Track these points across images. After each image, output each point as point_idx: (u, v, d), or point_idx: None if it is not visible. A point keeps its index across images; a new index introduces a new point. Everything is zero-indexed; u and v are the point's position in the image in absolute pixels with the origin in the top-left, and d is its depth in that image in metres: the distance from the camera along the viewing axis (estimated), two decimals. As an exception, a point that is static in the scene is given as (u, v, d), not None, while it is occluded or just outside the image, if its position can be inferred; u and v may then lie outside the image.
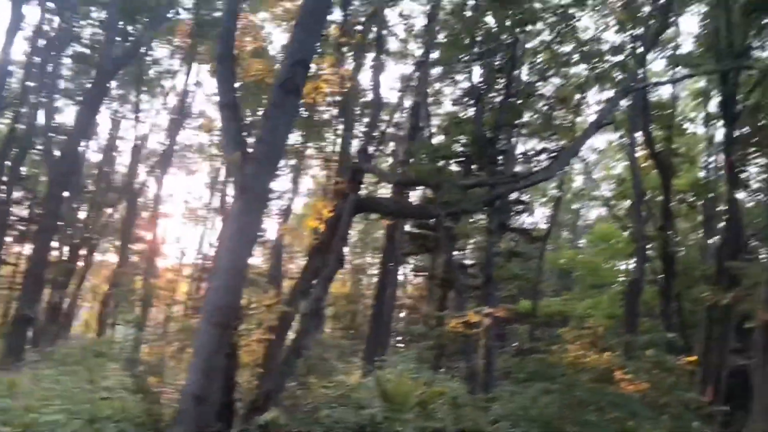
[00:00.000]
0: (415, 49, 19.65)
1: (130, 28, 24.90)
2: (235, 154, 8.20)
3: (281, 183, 26.40)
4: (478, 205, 11.98)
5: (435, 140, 21.88)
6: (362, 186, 12.83)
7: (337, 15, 12.71)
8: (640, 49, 16.38)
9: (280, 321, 9.66)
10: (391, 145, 23.46)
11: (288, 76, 8.03)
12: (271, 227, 28.66)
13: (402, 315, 33.21)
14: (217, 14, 21.38)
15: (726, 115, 18.18)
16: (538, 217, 31.37)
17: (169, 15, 24.51)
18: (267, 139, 8.17)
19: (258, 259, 27.79)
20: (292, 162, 21.92)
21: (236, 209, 8.17)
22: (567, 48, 18.51)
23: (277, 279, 24.01)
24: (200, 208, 35.89)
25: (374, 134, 12.43)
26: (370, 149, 12.10)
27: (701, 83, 23.22)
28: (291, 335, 10.37)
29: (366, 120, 12.46)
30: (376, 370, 13.52)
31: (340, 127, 12.14)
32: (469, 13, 16.99)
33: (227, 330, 7.84)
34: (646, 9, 16.26)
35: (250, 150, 8.30)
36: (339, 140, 12.01)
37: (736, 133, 18.50)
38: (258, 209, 8.47)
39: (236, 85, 9.65)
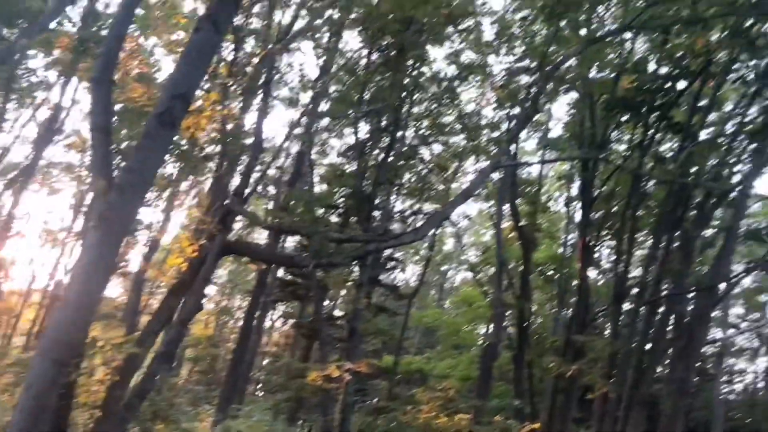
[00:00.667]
0: (305, 97, 19.87)
1: (5, 31, 23.31)
2: (101, 182, 7.80)
3: (151, 215, 25.34)
4: (347, 259, 12.09)
5: (316, 189, 22.02)
6: (234, 228, 12.59)
7: (227, 53, 12.64)
8: (514, 128, 17.54)
9: (127, 361, 9.13)
10: (271, 189, 23.28)
11: (166, 107, 7.81)
12: (134, 259, 27.23)
13: (264, 362, 32.39)
14: (104, 33, 20.56)
15: (584, 198, 19.72)
16: (408, 275, 32.18)
17: (51, 25, 23.22)
18: (136, 169, 7.84)
19: (116, 291, 26.25)
20: (165, 194, 21.17)
21: (94, 238, 7.70)
22: (448, 118, 19.52)
23: (134, 315, 22.75)
24: (60, 230, 33.44)
25: (252, 177, 12.31)
26: (246, 191, 11.95)
27: (566, 166, 25.04)
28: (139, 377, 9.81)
29: (245, 161, 12.30)
30: (228, 420, 13.04)
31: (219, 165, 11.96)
32: (360, 72, 17.53)
33: (65, 367, 7.28)
34: (523, 91, 17.51)
35: (118, 177, 7.93)
36: (215, 179, 11.80)
37: (592, 216, 20.07)
38: (117, 240, 8.03)
39: (113, 108, 9.26)
